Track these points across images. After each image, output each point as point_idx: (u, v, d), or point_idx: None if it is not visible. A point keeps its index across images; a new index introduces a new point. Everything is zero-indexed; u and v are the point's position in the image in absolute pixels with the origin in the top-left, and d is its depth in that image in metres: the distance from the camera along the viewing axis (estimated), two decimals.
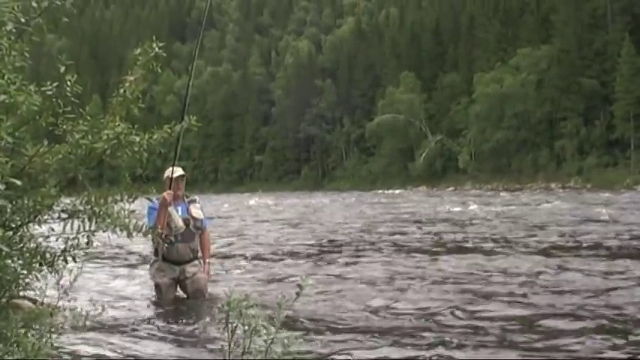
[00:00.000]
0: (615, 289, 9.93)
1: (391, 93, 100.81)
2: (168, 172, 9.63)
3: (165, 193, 9.34)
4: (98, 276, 12.52)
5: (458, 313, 8.63)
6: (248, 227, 26.22)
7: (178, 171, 9.76)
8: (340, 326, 8.19)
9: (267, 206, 47.19)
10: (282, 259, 15.06)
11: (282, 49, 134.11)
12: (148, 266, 10.68)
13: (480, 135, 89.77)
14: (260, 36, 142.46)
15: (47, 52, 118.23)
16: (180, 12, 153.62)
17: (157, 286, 9.85)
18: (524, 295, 9.64)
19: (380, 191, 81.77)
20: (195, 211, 9.96)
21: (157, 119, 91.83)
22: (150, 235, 3.57)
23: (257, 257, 15.52)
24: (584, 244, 16.12)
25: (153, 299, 9.97)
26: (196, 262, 10.06)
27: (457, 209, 34.50)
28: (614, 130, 78.48)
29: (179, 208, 9.73)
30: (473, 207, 35.56)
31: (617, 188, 62.64)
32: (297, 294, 2.91)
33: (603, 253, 14.46)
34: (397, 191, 78.36)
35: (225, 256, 15.58)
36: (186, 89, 10.00)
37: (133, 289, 11.37)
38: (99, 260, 14.33)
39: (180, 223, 9.61)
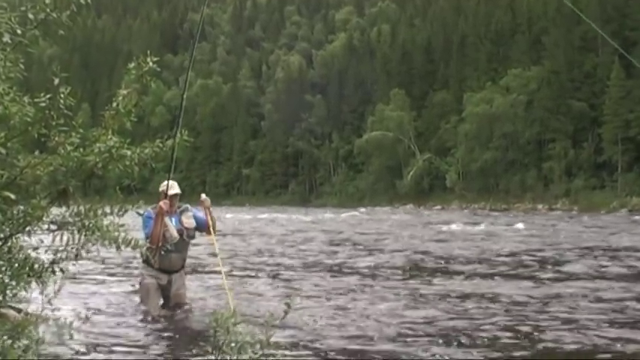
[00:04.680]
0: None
1: (381, 110, 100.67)
2: (163, 187, 9.76)
3: (161, 202, 9.46)
4: (81, 285, 12.43)
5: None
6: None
7: (175, 189, 9.84)
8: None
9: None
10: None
11: (272, 63, 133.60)
12: (134, 274, 10.70)
13: (469, 154, 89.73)
14: (251, 49, 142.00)
15: (38, 59, 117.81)
16: (173, 24, 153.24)
17: (145, 287, 9.88)
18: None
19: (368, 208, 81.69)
20: (187, 220, 10.10)
21: (146, 130, 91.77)
22: (141, 245, 3.57)
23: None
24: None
25: (138, 312, 9.90)
26: (182, 271, 10.16)
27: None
28: (602, 153, 78.70)
29: (173, 219, 9.84)
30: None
31: (603, 211, 62.90)
32: (285, 312, 2.91)
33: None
34: (384, 209, 78.10)
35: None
36: (179, 101, 10.12)
37: (116, 300, 11.30)
38: (82, 268, 14.22)
39: (176, 233, 9.75)
